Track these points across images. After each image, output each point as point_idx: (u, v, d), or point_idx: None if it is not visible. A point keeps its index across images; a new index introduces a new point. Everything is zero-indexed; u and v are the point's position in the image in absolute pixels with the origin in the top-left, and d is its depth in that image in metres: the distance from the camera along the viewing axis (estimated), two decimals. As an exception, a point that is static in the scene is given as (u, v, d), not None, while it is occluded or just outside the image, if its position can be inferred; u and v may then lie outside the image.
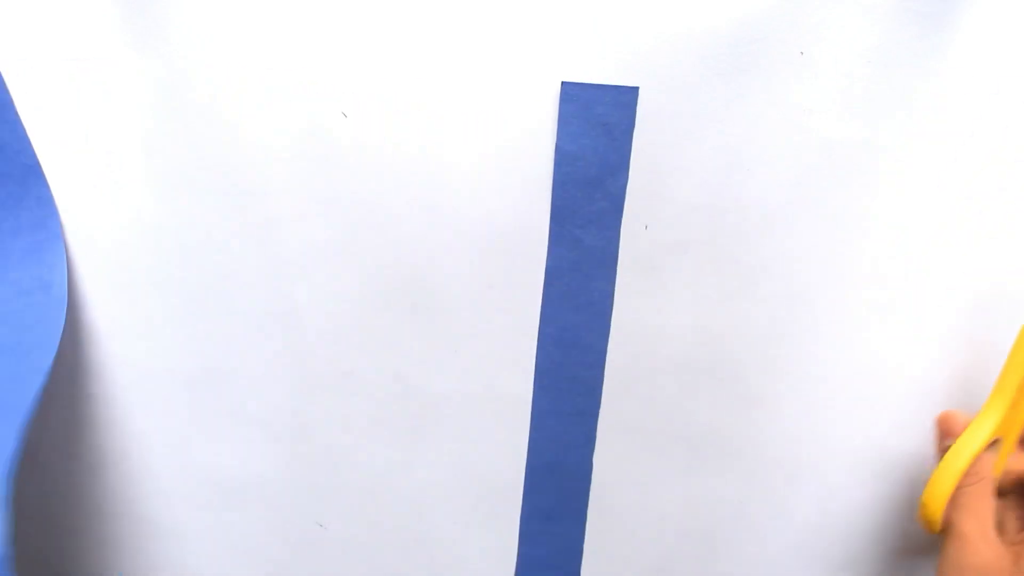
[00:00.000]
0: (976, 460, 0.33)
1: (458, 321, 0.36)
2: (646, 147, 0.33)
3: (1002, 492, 0.34)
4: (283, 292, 0.36)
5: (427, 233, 0.35)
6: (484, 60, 0.32)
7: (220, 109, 0.33)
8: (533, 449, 0.39)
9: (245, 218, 0.35)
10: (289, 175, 0.34)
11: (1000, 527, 0.34)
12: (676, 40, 0.31)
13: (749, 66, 0.32)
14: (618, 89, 0.32)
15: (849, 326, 0.35)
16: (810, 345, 0.36)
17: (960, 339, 0.36)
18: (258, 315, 0.37)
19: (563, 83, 0.32)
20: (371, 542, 0.41)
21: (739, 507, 0.39)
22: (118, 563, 0.42)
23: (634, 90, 0.32)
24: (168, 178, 0.35)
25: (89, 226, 0.36)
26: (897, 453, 0.38)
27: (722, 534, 0.40)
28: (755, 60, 0.31)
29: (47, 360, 0.33)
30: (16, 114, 0.33)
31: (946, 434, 0.35)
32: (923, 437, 0.37)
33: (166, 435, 0.39)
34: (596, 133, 0.33)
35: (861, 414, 0.37)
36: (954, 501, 0.33)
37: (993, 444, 0.34)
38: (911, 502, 0.38)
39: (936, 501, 0.33)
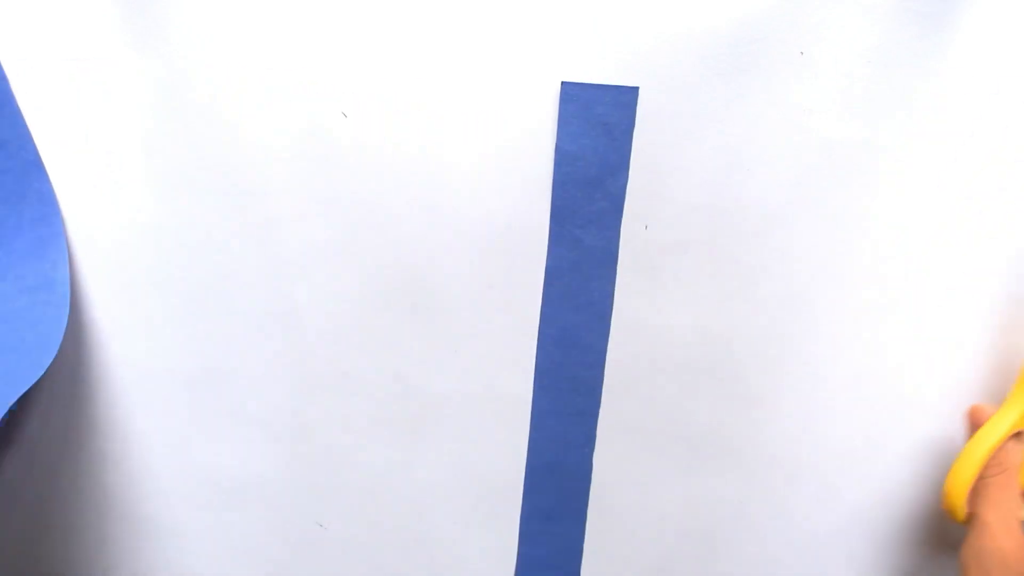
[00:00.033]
0: (1000, 451, 0.33)
1: (458, 321, 0.36)
2: (646, 147, 0.33)
3: None
4: (283, 292, 0.36)
5: (427, 233, 0.35)
6: (484, 60, 0.32)
7: (220, 109, 0.33)
8: (533, 449, 0.39)
9: (245, 218, 0.35)
10: (289, 175, 0.34)
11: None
12: (676, 40, 0.31)
13: (749, 66, 0.32)
14: (618, 89, 0.32)
15: (849, 326, 0.35)
16: (810, 345, 0.36)
17: (960, 339, 0.36)
18: (258, 315, 0.37)
19: (563, 83, 0.32)
20: (371, 542, 0.41)
21: (739, 507, 0.39)
22: (118, 563, 0.42)
23: (634, 90, 0.32)
24: (168, 178, 0.35)
25: (89, 226, 0.36)
26: (897, 453, 0.38)
27: (722, 534, 0.40)
28: (755, 60, 0.31)
29: (48, 358, 0.33)
30: (17, 110, 0.33)
31: (976, 426, 0.36)
32: (923, 437, 0.37)
33: (166, 435, 0.39)
34: (596, 133, 0.33)
35: (861, 414, 0.37)
36: (978, 491, 0.34)
37: (1018, 436, 0.34)
38: (911, 502, 0.38)
39: (958, 489, 0.34)
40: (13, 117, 0.33)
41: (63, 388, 0.39)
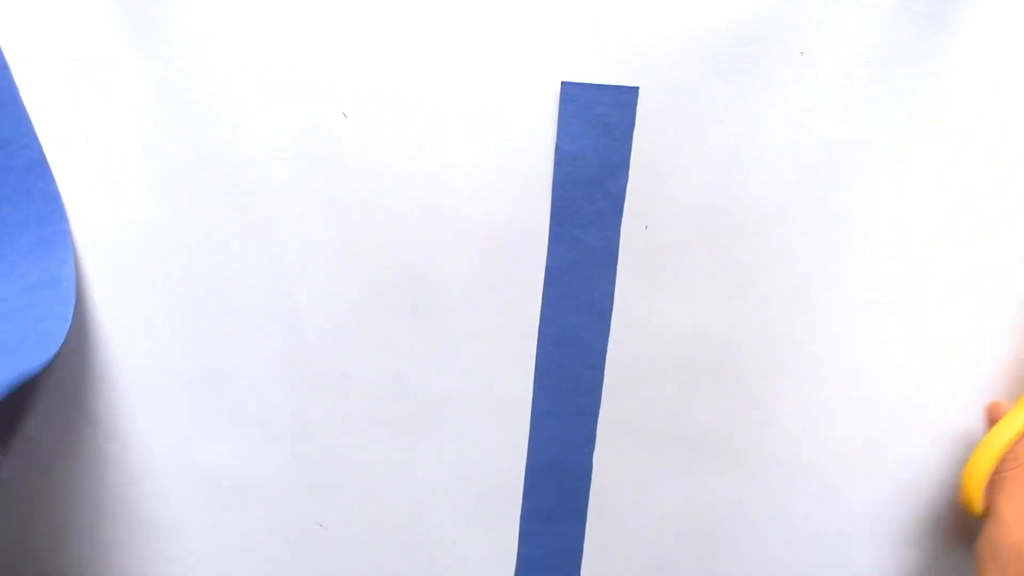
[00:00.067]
0: (1017, 445, 0.34)
1: (458, 321, 0.36)
2: (646, 147, 0.33)
3: None
4: (283, 292, 0.36)
5: (427, 233, 0.35)
6: (484, 60, 0.32)
7: (220, 109, 0.33)
8: (533, 449, 0.39)
9: (245, 218, 0.35)
10: (289, 175, 0.34)
11: None
12: (676, 40, 0.31)
13: (749, 66, 0.32)
14: (618, 89, 0.32)
15: (849, 326, 0.35)
16: (810, 345, 0.36)
17: (960, 339, 0.36)
18: (258, 315, 0.37)
19: (563, 83, 0.32)
20: (371, 542, 0.41)
21: (739, 507, 0.39)
22: (118, 563, 0.42)
23: (634, 90, 0.32)
24: (168, 178, 0.35)
25: (90, 226, 0.36)
26: (897, 453, 0.38)
27: (722, 534, 0.40)
28: (755, 60, 0.31)
29: (48, 354, 0.33)
30: (23, 109, 0.33)
31: (994, 421, 0.36)
32: (923, 436, 0.37)
33: (166, 435, 0.39)
34: (596, 133, 0.33)
35: (861, 414, 0.37)
36: (995, 485, 0.34)
37: None
38: (911, 501, 0.38)
39: (975, 483, 0.34)
40: (18, 116, 0.33)
41: (64, 388, 0.39)
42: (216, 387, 0.38)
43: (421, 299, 0.36)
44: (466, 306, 0.36)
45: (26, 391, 0.39)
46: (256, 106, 0.33)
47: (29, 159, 0.34)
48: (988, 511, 0.34)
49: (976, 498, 0.34)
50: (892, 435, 0.37)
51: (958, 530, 0.39)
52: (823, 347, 0.36)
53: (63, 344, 0.34)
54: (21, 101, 0.33)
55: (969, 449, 0.36)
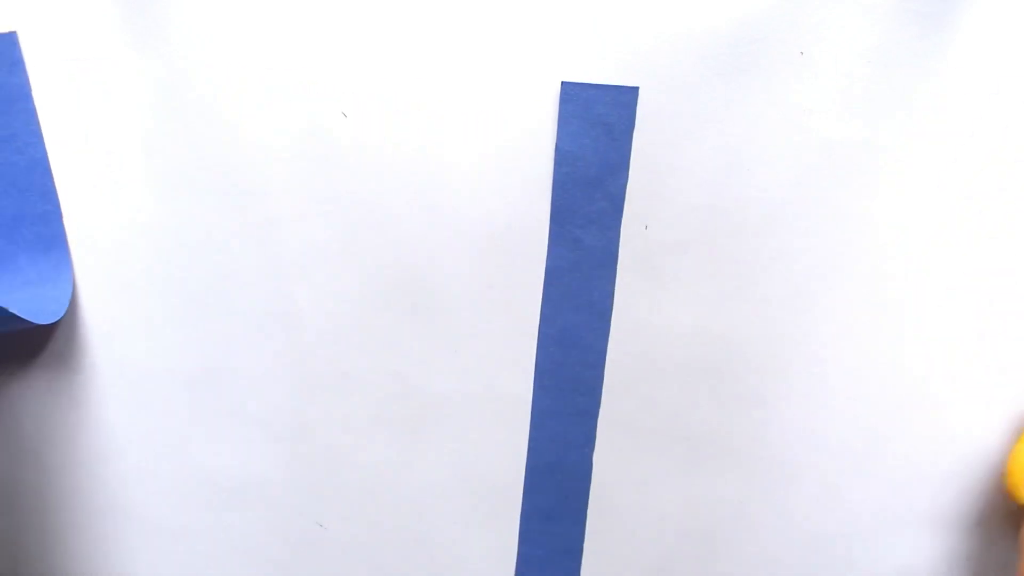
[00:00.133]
0: None
1: (458, 321, 0.36)
2: (646, 147, 0.33)
3: None
4: (283, 292, 0.36)
5: (427, 233, 0.35)
6: (484, 60, 0.32)
7: (220, 109, 0.33)
8: (533, 449, 0.39)
9: (245, 218, 0.35)
10: (289, 175, 0.34)
11: None
12: (676, 40, 0.31)
13: (749, 66, 0.32)
14: (618, 89, 0.32)
15: (849, 326, 0.35)
16: (810, 345, 0.36)
17: (959, 338, 0.36)
18: (258, 315, 0.37)
19: (563, 83, 0.32)
20: (371, 542, 0.41)
21: (739, 507, 0.39)
22: (118, 563, 0.42)
23: (634, 90, 0.32)
24: (168, 178, 0.35)
25: (89, 225, 0.36)
26: (897, 453, 0.38)
27: (722, 534, 0.40)
28: (755, 60, 0.31)
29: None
30: (33, 107, 0.33)
31: None
32: (923, 436, 0.37)
33: (166, 435, 0.39)
34: (596, 133, 0.33)
35: (861, 414, 0.37)
36: None
37: None
38: (911, 501, 0.38)
39: (1019, 472, 0.34)
40: (28, 114, 0.33)
41: (63, 388, 0.39)
42: (216, 387, 0.38)
43: (421, 299, 0.36)
44: (466, 306, 0.36)
45: (26, 391, 0.39)
46: (256, 106, 0.33)
47: (32, 157, 0.34)
48: None
49: (1022, 486, 0.35)
50: (892, 435, 0.37)
51: (957, 530, 0.39)
52: (823, 347, 0.36)
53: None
54: (32, 100, 0.33)
55: (969, 449, 0.36)
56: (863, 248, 0.34)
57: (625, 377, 0.37)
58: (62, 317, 0.36)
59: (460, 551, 0.41)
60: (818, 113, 0.32)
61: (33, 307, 0.34)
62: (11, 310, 0.31)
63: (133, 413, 0.39)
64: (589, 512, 0.40)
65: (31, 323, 0.33)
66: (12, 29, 0.32)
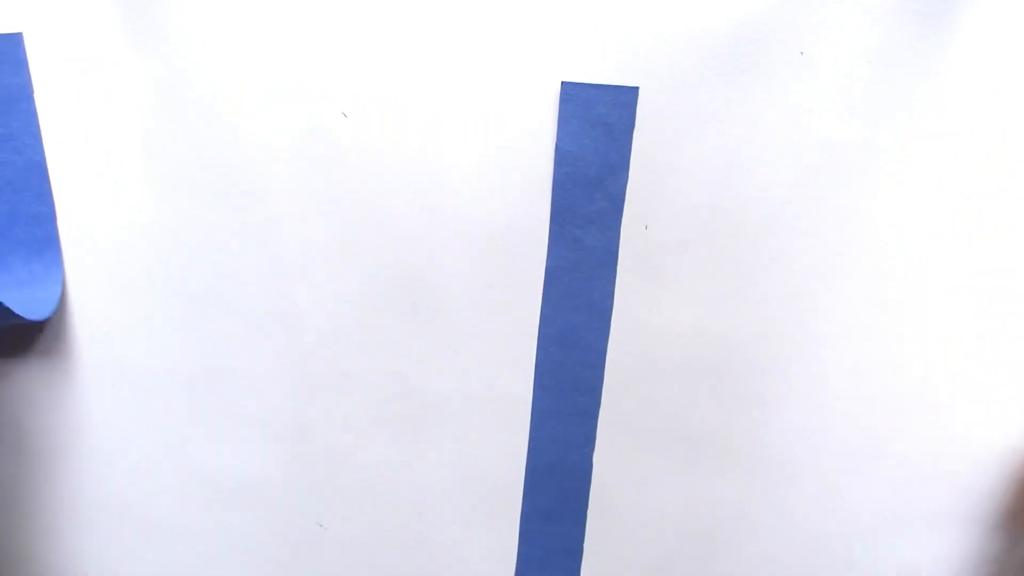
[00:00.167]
0: None
1: (458, 321, 0.36)
2: (646, 147, 0.33)
3: None
4: (283, 292, 0.36)
5: (427, 233, 0.35)
6: (484, 60, 0.32)
7: (220, 109, 0.33)
8: (533, 449, 0.39)
9: (245, 218, 0.35)
10: (289, 175, 0.34)
11: None
12: (676, 40, 0.31)
13: (749, 66, 0.32)
14: (618, 89, 0.32)
15: (849, 326, 0.35)
16: (810, 345, 0.36)
17: (959, 338, 0.36)
18: (258, 315, 0.37)
19: (563, 83, 0.32)
20: (371, 542, 0.41)
21: (739, 507, 0.39)
22: (118, 563, 0.42)
23: (634, 90, 0.32)
24: (168, 178, 0.35)
25: (89, 226, 0.36)
26: (897, 452, 0.37)
27: (722, 534, 0.40)
28: (755, 60, 0.31)
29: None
30: (34, 109, 0.33)
31: None
32: (923, 436, 0.37)
33: (166, 435, 0.39)
34: (596, 133, 0.33)
35: (861, 414, 0.37)
36: None
37: None
38: (911, 501, 0.38)
39: None
40: (28, 116, 0.34)
41: (63, 387, 0.39)
42: (216, 387, 0.38)
43: (421, 299, 0.36)
44: (466, 306, 0.36)
45: (25, 391, 0.39)
46: (256, 106, 0.33)
47: (30, 158, 0.34)
48: None
49: None
50: (892, 435, 0.37)
51: (958, 529, 0.39)
52: (823, 347, 0.36)
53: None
54: (34, 102, 0.33)
55: (969, 448, 0.36)
56: (863, 248, 0.34)
57: (625, 377, 0.37)
58: (62, 317, 0.36)
59: (460, 551, 0.41)
60: (818, 113, 0.32)
61: (22, 305, 0.34)
62: (2, 301, 0.31)
63: (133, 413, 0.39)
64: (589, 512, 0.39)
65: (21, 318, 0.33)
66: (18, 30, 0.32)
